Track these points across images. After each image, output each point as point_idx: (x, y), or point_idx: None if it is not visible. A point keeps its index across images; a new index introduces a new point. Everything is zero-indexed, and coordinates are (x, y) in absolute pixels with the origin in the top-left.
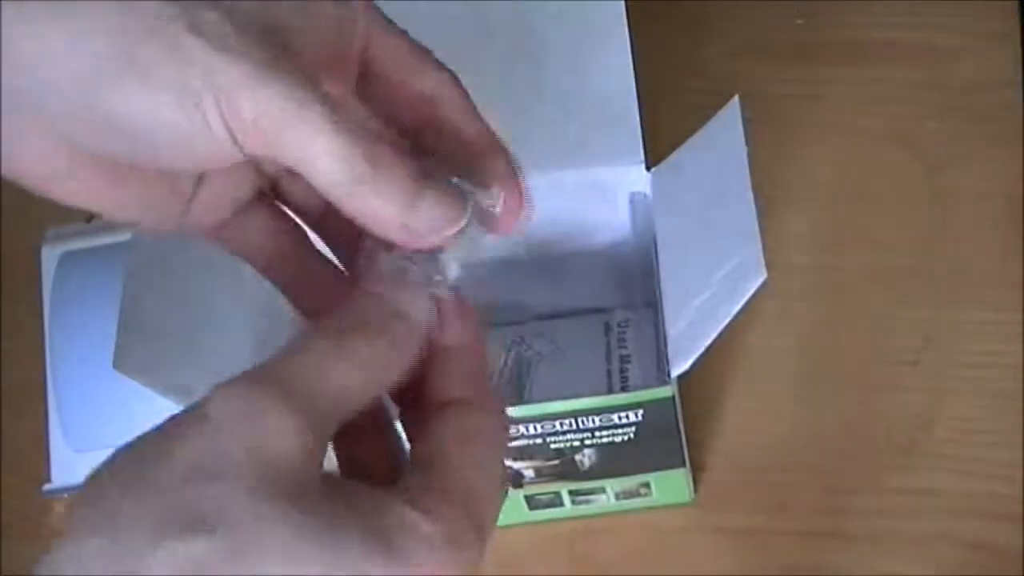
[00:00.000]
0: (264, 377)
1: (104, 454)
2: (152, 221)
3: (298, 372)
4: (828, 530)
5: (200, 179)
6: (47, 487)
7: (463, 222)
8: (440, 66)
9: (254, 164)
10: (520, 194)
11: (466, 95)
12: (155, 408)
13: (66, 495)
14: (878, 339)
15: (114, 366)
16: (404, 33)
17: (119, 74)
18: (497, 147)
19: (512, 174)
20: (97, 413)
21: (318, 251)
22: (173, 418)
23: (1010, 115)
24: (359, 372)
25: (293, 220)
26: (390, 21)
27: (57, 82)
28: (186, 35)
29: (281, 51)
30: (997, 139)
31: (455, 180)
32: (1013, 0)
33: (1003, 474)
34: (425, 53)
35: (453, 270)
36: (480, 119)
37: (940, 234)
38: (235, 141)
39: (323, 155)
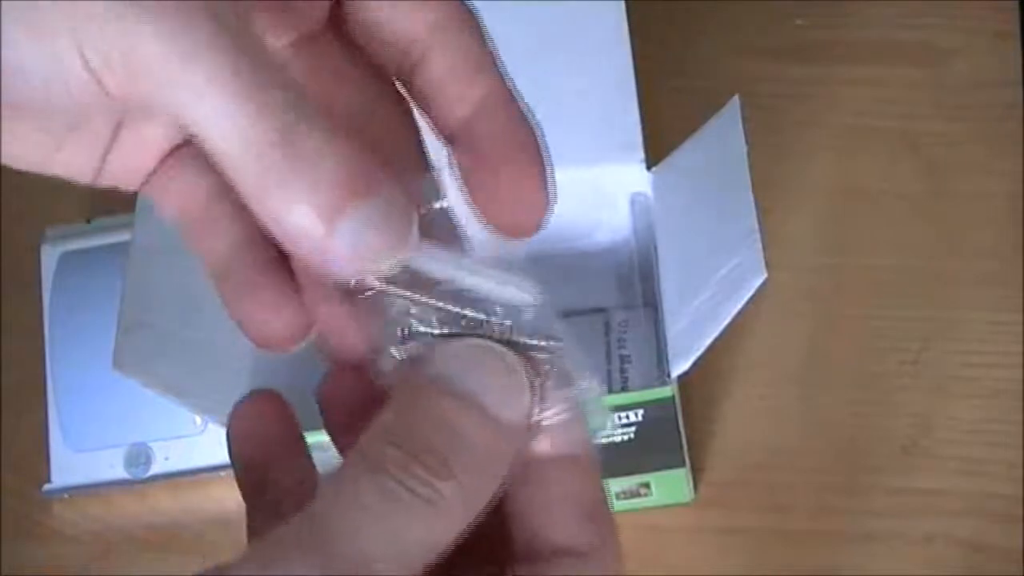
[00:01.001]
0: (308, 545)
1: (104, 454)
2: (64, 170)
3: (335, 535)
4: (828, 530)
5: (118, 126)
6: (47, 487)
7: (401, 252)
8: None
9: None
10: (537, 179)
11: (476, 31)
12: (155, 408)
13: (66, 495)
14: (878, 339)
15: (114, 366)
16: None
17: None
18: (511, 108)
19: (530, 147)
20: (97, 413)
21: (252, 224)
22: None
23: (1010, 115)
24: (421, 526)
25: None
26: None
27: None
28: None
29: None
30: (997, 139)
31: (433, 171)
32: (1013, 0)
33: (1003, 474)
34: None
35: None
36: (493, 67)
37: (940, 234)
38: (100, 85)
39: (215, 123)
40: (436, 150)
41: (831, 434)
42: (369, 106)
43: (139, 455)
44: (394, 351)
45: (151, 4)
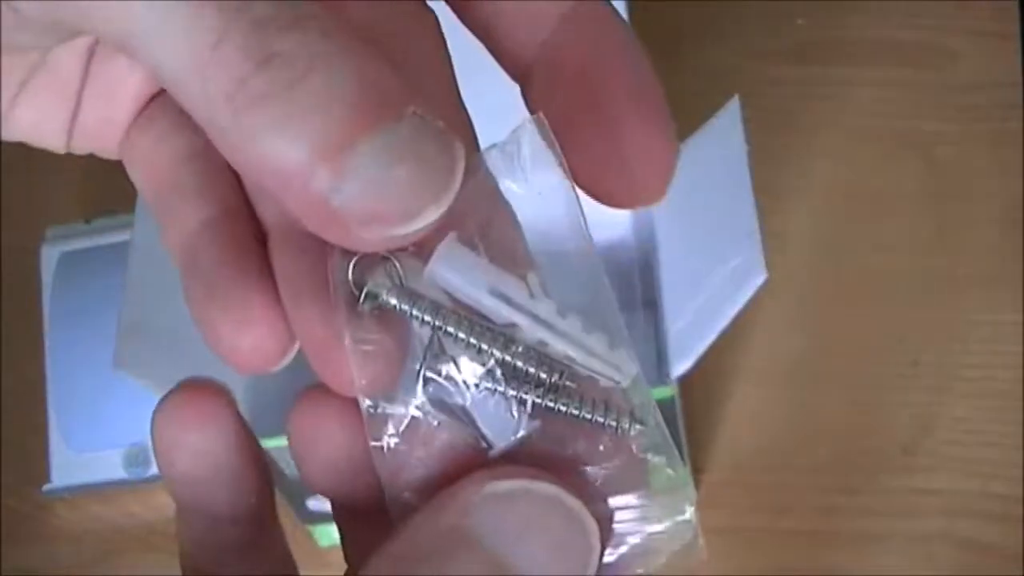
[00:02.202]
0: None
1: (104, 454)
2: (32, 128)
3: None
4: (828, 530)
5: (85, 70)
6: (47, 487)
7: (441, 204)
8: None
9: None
10: (662, 124)
11: None
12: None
13: (66, 495)
14: (878, 339)
15: (114, 366)
16: None
17: None
18: (614, 24)
19: (645, 78)
20: (97, 413)
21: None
22: None
23: (1010, 115)
24: None
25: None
26: None
27: None
28: None
29: None
30: (997, 139)
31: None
32: (1013, 0)
33: (1003, 474)
34: None
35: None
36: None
37: (940, 234)
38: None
39: (163, 33)
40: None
41: (831, 434)
42: (385, 22)
43: (139, 455)
44: (408, 405)
45: None
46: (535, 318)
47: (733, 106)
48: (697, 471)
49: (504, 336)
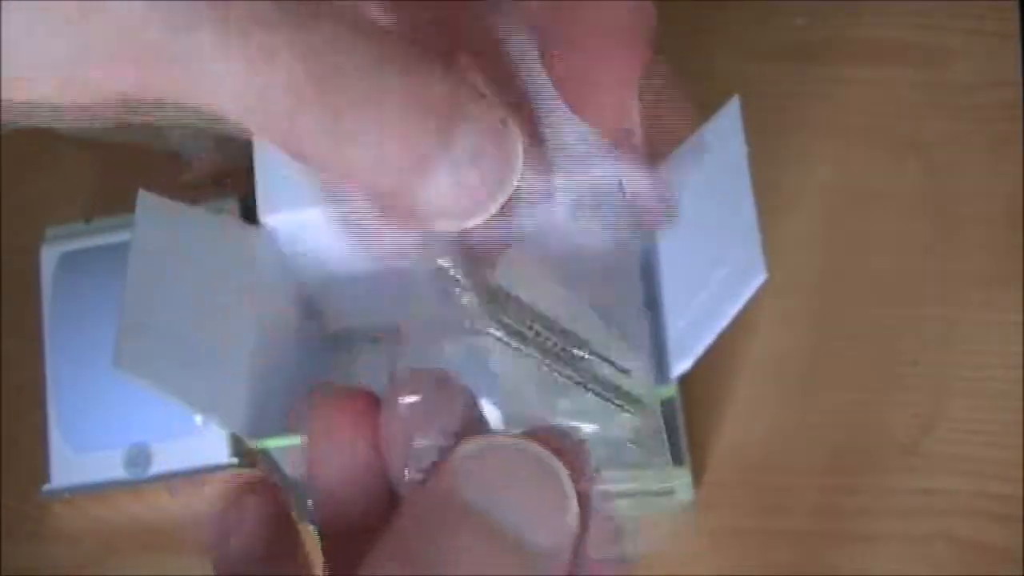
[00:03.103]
0: None
1: (104, 454)
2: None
3: None
4: (828, 530)
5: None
6: (47, 487)
7: (511, 183)
8: None
9: None
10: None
11: None
12: (155, 408)
13: (66, 495)
14: (878, 339)
15: (114, 366)
16: None
17: None
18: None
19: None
20: (97, 413)
21: None
22: None
23: (1010, 115)
24: None
25: None
26: None
27: None
28: None
29: None
30: (997, 139)
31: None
32: (1013, 0)
33: (1003, 474)
34: None
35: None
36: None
37: (940, 234)
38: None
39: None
40: None
41: (831, 434)
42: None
43: (139, 455)
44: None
45: None
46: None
47: (733, 106)
48: (697, 471)
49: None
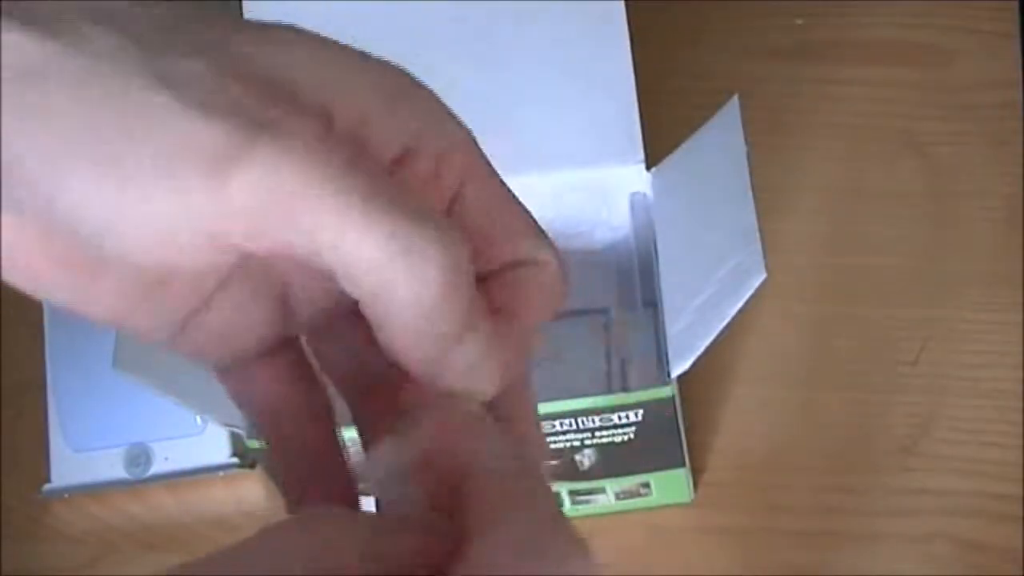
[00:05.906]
0: None
1: (104, 454)
2: (134, 326)
3: None
4: (828, 530)
5: (211, 295)
6: (47, 487)
7: (509, 379)
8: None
9: (280, 298)
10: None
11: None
12: (155, 408)
13: (66, 495)
14: (877, 339)
15: (114, 366)
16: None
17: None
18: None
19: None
20: (97, 413)
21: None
22: None
23: (1010, 115)
24: None
25: (312, 381)
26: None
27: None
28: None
29: (294, 109)
30: (997, 139)
31: None
32: (1013, 0)
33: (1003, 474)
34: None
35: None
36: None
37: (940, 234)
38: (217, 227)
39: (351, 237)
40: None
41: (831, 434)
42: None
43: (139, 455)
44: None
45: (273, 135)
46: None
47: (733, 106)
48: (697, 471)
49: None
